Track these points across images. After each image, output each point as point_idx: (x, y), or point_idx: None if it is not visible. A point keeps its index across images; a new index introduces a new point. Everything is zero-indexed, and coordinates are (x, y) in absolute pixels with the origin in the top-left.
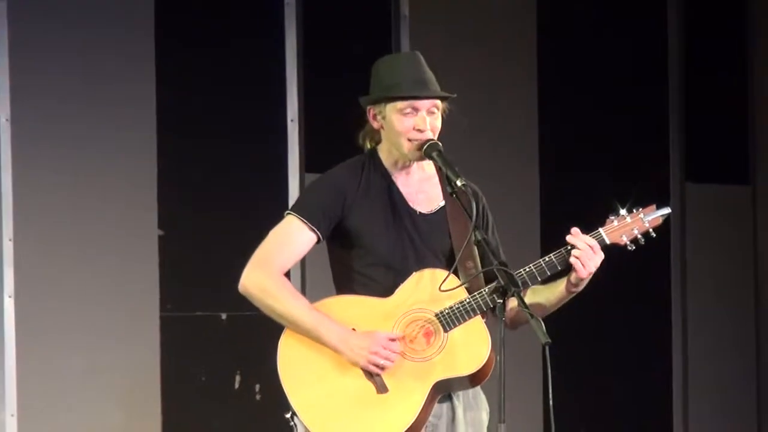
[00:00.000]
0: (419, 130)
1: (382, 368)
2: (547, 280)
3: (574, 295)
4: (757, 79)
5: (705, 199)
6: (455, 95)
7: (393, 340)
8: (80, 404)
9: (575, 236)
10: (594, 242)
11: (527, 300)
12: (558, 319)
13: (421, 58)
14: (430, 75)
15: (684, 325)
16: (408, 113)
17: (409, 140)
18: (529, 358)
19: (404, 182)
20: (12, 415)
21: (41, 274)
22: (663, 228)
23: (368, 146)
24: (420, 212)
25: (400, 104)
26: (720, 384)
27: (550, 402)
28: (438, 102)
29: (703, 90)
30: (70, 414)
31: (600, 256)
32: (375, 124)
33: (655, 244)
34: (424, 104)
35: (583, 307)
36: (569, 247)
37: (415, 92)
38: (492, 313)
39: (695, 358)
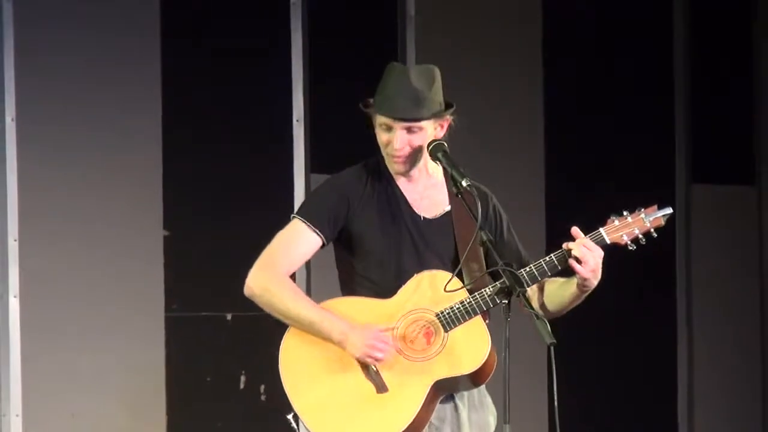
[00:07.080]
0: (393, 147)
1: (378, 360)
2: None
3: (587, 292)
4: (762, 80)
5: (710, 200)
6: (429, 118)
7: (384, 331)
8: (85, 404)
9: (574, 236)
10: (588, 241)
11: (545, 300)
12: (563, 321)
13: (414, 72)
14: (419, 93)
15: (689, 327)
16: (385, 129)
17: (387, 154)
18: (535, 360)
19: (408, 188)
20: (17, 416)
21: (46, 275)
22: (668, 229)
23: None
24: (424, 217)
25: (379, 118)
26: (725, 387)
27: (555, 403)
28: (421, 123)
29: (709, 91)
30: (74, 414)
31: (599, 254)
32: (375, 130)
33: (659, 245)
34: (398, 123)
35: (588, 309)
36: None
37: (383, 110)
38: (488, 314)
39: (700, 361)
